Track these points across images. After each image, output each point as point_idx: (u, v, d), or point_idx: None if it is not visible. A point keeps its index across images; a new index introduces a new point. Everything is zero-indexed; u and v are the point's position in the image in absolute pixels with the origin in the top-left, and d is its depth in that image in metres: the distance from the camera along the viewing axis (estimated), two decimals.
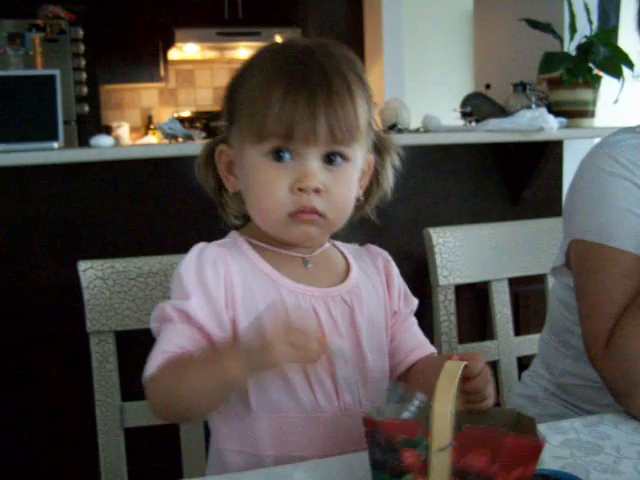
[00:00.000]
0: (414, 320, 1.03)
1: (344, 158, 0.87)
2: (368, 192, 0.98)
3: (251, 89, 0.86)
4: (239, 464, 0.88)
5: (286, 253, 0.92)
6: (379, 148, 0.96)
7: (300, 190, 0.84)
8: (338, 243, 1.01)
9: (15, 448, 2.10)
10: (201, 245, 0.90)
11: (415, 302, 1.02)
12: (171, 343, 0.84)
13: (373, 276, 0.99)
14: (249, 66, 0.89)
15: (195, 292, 0.85)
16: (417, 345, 0.99)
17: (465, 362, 0.72)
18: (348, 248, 1.01)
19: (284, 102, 0.82)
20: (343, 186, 0.87)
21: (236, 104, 0.89)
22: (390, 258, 1.03)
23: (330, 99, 0.83)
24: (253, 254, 0.91)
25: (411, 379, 0.96)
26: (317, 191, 0.84)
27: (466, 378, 0.77)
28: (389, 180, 0.98)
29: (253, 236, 0.93)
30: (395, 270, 1.02)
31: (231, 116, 0.90)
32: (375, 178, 0.97)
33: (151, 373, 0.82)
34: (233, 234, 0.96)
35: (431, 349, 1.00)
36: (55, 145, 2.14)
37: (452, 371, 0.68)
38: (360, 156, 0.90)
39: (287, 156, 0.84)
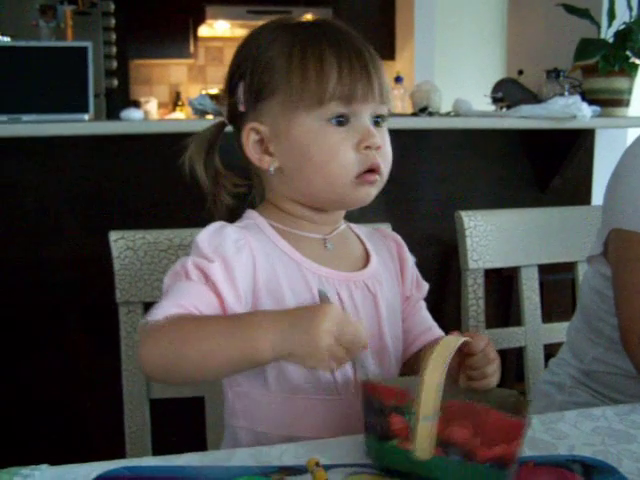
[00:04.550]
0: (423, 304, 1.03)
1: (383, 118, 0.90)
2: None
3: (294, 59, 0.85)
4: (250, 442, 0.87)
5: (306, 235, 0.91)
6: None
7: (366, 148, 0.86)
8: (352, 225, 0.99)
9: (42, 417, 2.13)
10: (220, 222, 0.88)
11: (426, 287, 1.02)
12: (187, 300, 0.80)
13: (387, 261, 0.98)
14: (269, 42, 0.88)
15: (215, 259, 0.82)
16: (425, 329, 0.99)
17: (464, 338, 0.72)
18: (362, 230, 1.00)
19: (341, 65, 0.84)
20: (388, 144, 0.90)
21: (273, 76, 0.86)
22: (402, 242, 1.02)
23: (374, 61, 0.87)
24: (274, 235, 0.90)
25: (418, 363, 0.93)
26: (378, 148, 0.87)
27: (468, 354, 0.79)
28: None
29: (270, 217, 0.92)
30: (408, 255, 1.01)
31: (261, 91, 0.88)
32: None
33: (157, 320, 0.77)
34: (251, 213, 0.93)
35: (439, 333, 0.99)
36: (86, 117, 2.15)
37: (449, 345, 0.69)
38: None
39: (348, 119, 0.86)
